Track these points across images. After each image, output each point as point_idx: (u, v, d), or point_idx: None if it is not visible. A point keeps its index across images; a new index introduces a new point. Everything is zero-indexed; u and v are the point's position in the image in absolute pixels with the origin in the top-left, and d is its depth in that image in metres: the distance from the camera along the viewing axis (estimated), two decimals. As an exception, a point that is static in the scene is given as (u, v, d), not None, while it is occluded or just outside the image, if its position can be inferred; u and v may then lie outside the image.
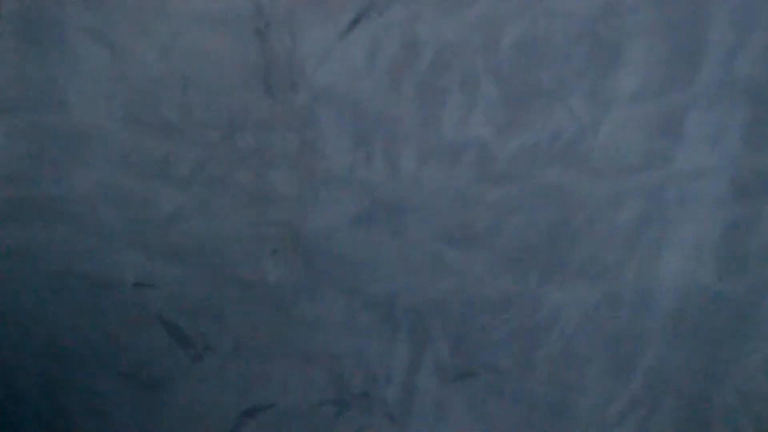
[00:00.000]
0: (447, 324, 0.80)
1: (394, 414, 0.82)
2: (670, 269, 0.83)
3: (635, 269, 0.83)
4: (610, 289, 0.83)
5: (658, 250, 0.82)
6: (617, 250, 0.82)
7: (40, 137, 0.79)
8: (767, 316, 0.85)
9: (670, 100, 0.78)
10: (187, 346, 0.82)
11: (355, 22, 0.77)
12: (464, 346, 0.81)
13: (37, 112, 0.79)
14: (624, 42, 0.77)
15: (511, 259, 0.80)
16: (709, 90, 0.78)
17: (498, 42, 0.76)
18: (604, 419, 0.88)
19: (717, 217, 0.81)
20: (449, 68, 0.77)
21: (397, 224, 0.82)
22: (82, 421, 0.83)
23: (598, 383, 0.87)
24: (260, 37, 0.76)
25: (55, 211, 0.81)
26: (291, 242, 0.82)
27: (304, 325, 0.81)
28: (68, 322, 0.82)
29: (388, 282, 0.80)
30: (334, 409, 0.83)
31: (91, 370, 0.83)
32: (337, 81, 0.77)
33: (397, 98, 0.78)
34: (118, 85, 0.78)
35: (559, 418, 0.88)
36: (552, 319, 0.82)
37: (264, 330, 0.81)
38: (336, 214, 0.81)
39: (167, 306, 0.82)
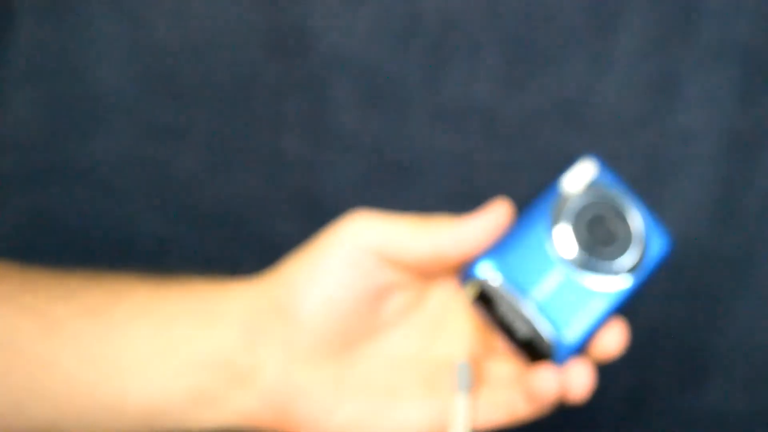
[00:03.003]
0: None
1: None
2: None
3: (634, 226, 0.84)
4: (609, 245, 0.84)
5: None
6: (617, 209, 0.83)
7: (60, 105, 0.80)
8: (763, 272, 0.86)
9: (667, 61, 0.79)
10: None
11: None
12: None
13: (57, 81, 0.80)
14: (623, 5, 0.77)
15: (514, 217, 0.81)
16: (705, 51, 0.79)
17: (501, 8, 0.78)
18: (606, 369, 0.90)
19: (712, 175, 0.82)
20: (454, 33, 0.78)
21: (403, 184, 0.83)
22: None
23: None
24: (271, 4, 0.77)
25: (75, 177, 0.82)
26: (303, 202, 0.84)
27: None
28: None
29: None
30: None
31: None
32: (346, 46, 0.79)
33: (404, 63, 0.79)
34: (135, 55, 0.79)
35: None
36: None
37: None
38: (345, 175, 0.83)
39: (185, 263, 0.83)
